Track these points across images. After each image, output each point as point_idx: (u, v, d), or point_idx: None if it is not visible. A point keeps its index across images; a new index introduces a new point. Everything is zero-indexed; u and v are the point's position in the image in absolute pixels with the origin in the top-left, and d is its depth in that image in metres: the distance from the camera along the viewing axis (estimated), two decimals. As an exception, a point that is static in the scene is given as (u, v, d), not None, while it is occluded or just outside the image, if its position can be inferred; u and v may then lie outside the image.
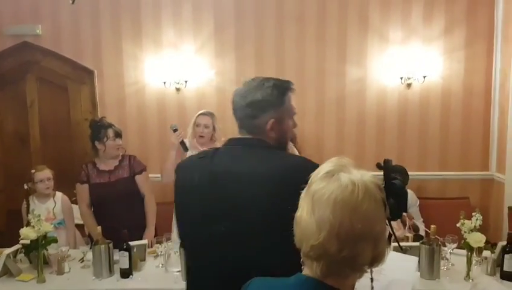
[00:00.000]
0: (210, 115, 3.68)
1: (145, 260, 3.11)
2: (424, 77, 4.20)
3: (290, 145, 3.70)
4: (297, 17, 4.33)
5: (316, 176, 1.00)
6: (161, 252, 3.11)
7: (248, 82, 1.55)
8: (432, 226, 2.88)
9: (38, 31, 4.43)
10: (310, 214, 0.96)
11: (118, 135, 3.47)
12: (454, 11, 4.23)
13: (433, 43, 4.27)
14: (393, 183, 1.07)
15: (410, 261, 2.10)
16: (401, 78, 4.22)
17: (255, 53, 4.42)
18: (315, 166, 1.05)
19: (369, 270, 0.99)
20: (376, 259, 0.97)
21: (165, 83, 4.37)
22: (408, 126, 4.30)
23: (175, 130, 3.55)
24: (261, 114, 1.49)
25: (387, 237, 1.03)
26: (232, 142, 1.55)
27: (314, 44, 4.35)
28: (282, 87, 1.53)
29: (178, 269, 2.88)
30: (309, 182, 1.01)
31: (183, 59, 4.40)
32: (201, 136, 3.61)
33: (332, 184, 0.96)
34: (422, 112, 4.32)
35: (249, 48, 4.41)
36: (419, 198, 4.08)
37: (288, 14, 4.34)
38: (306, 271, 1.02)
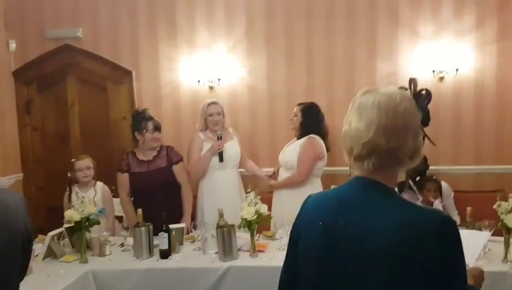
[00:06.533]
0: (218, 103, 3.89)
1: (182, 244, 3.19)
2: (457, 70, 4.20)
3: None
4: (327, 13, 4.42)
5: (356, 96, 1.20)
6: (198, 236, 3.20)
7: None
8: (468, 208, 2.88)
9: (78, 34, 4.66)
10: (358, 120, 1.15)
11: (156, 128, 3.61)
12: (486, 5, 4.22)
13: (465, 37, 4.26)
14: (421, 94, 1.26)
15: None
16: (434, 71, 4.23)
17: (285, 51, 4.52)
18: None
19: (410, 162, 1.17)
20: (415, 152, 1.16)
21: (199, 81, 4.52)
22: (441, 120, 4.27)
23: (219, 138, 3.71)
24: None
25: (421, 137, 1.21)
26: None
27: (343, 40, 4.41)
28: None
29: (215, 251, 2.96)
30: (352, 102, 1.20)
31: (216, 59, 4.54)
32: (216, 124, 3.77)
33: (372, 95, 1.17)
34: (455, 106, 4.30)
35: (279, 46, 4.52)
36: (454, 191, 4.04)
37: (317, 10, 4.43)
38: (355, 173, 1.19)
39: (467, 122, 4.33)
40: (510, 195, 2.78)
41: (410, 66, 4.32)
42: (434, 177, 3.90)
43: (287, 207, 3.56)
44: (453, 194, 3.98)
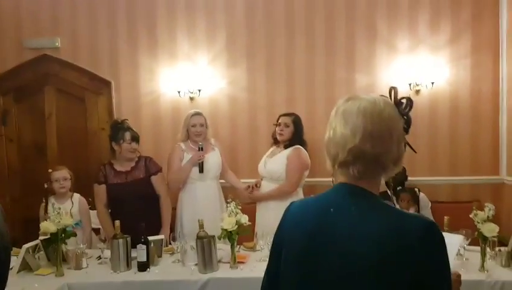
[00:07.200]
0: (201, 114, 3.86)
1: (161, 256, 3.15)
2: (432, 83, 4.30)
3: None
4: (307, 28, 4.49)
5: (339, 102, 1.20)
6: (177, 248, 3.16)
7: None
8: (446, 217, 2.92)
9: (57, 44, 4.62)
10: (343, 126, 1.15)
11: (134, 138, 3.57)
12: (460, 20, 4.35)
13: (440, 52, 4.38)
14: (401, 102, 1.24)
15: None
16: (410, 84, 4.32)
17: (265, 63, 4.56)
18: None
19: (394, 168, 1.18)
20: (399, 158, 1.17)
21: (179, 92, 4.51)
22: (418, 132, 4.35)
23: (200, 149, 3.71)
24: None
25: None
26: None
27: (323, 53, 4.48)
28: None
29: (195, 263, 2.93)
30: (335, 108, 1.20)
31: (197, 70, 4.55)
32: (198, 135, 3.76)
33: (356, 101, 1.17)
34: (431, 118, 4.39)
35: (260, 59, 4.56)
36: (431, 202, 4.10)
37: (297, 25, 4.50)
38: (339, 180, 1.19)
39: (442, 134, 4.43)
40: (486, 204, 2.84)
41: (387, 79, 4.39)
42: (416, 189, 3.96)
43: (274, 218, 3.53)
44: (430, 204, 4.05)
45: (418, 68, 4.31)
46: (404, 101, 1.23)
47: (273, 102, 4.55)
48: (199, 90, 4.51)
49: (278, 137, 3.76)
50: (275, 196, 3.67)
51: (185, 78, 4.51)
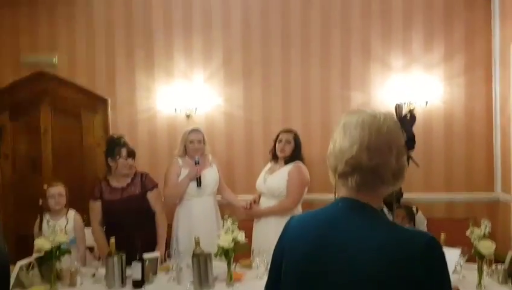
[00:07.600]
0: (200, 130, 3.86)
1: (156, 274, 3.12)
2: (426, 102, 4.34)
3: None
4: (302, 46, 4.55)
5: (342, 116, 1.23)
6: (173, 266, 3.13)
7: None
8: (442, 234, 2.92)
9: (54, 61, 4.64)
10: (342, 139, 1.18)
11: (130, 154, 3.56)
12: (453, 40, 4.42)
13: (434, 70, 4.44)
14: (405, 118, 1.21)
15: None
16: (404, 102, 4.35)
17: (261, 81, 4.60)
18: None
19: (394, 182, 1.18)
20: (399, 172, 1.17)
21: (175, 109, 4.53)
22: (413, 149, 4.39)
23: (197, 163, 3.70)
24: None
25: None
26: None
27: (318, 71, 4.54)
28: None
29: (190, 281, 2.90)
30: (339, 122, 1.23)
31: (194, 88, 4.59)
32: (196, 151, 3.77)
33: (357, 114, 1.20)
34: (426, 136, 4.42)
35: (256, 76, 4.61)
36: (426, 219, 4.11)
37: (293, 43, 4.56)
38: (340, 193, 1.22)
39: (437, 152, 4.46)
40: (482, 220, 2.84)
41: (382, 97, 4.44)
42: (413, 207, 3.96)
43: (274, 235, 3.50)
44: (426, 222, 4.04)
45: (412, 87, 4.35)
46: (408, 115, 1.26)
47: (269, 119, 4.57)
48: (195, 108, 4.53)
49: (280, 153, 3.75)
50: (275, 212, 3.64)
51: (182, 96, 4.53)
